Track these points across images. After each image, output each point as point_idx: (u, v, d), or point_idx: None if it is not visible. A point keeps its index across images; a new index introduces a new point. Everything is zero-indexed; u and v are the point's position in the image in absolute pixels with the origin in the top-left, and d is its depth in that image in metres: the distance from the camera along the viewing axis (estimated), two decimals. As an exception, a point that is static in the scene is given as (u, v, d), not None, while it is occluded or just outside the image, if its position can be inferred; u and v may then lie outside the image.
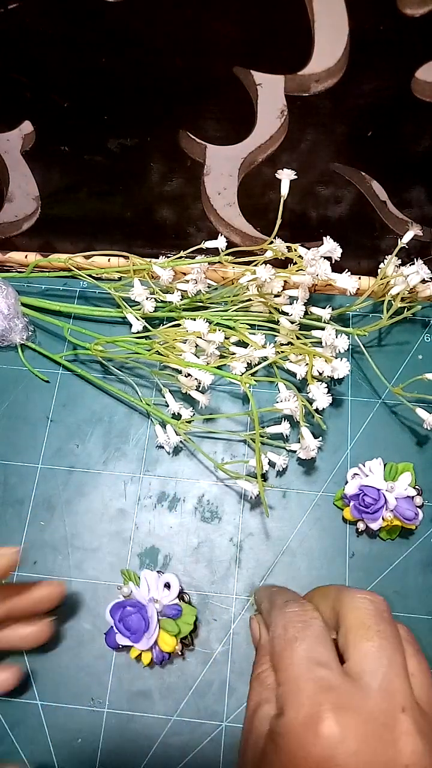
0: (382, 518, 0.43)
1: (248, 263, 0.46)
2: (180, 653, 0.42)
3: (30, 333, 0.52)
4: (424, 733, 0.26)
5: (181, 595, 0.43)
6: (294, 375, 0.46)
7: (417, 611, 0.44)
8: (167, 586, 0.42)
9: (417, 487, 0.45)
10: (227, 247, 0.47)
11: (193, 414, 0.47)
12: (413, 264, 0.47)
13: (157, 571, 0.43)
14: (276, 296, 0.48)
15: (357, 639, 0.29)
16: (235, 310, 0.49)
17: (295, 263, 0.45)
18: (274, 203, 0.47)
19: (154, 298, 0.47)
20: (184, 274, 0.49)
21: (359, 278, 0.53)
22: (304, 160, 0.45)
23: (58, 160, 0.47)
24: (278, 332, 0.48)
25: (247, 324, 0.48)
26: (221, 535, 0.46)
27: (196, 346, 0.46)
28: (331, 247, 0.43)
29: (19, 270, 0.56)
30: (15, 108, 0.43)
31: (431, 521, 0.46)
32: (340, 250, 0.43)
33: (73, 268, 0.50)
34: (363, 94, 0.39)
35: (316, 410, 0.43)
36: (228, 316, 0.48)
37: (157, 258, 0.48)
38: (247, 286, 0.47)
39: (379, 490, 0.43)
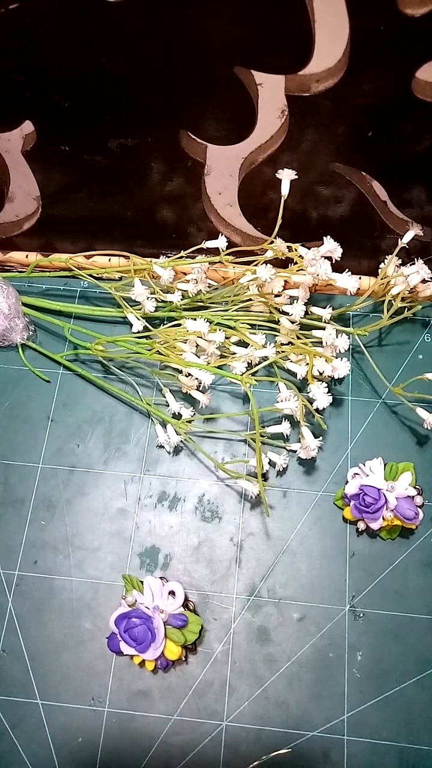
0: (383, 518, 0.43)
1: (249, 263, 0.46)
2: (184, 658, 0.42)
3: (31, 333, 0.52)
4: None
5: (185, 603, 0.42)
6: (294, 375, 0.46)
7: (417, 611, 0.44)
8: (171, 593, 0.42)
9: (417, 486, 0.45)
10: (228, 247, 0.47)
11: (194, 414, 0.47)
12: (413, 264, 0.47)
13: (160, 578, 0.43)
14: (276, 296, 0.48)
15: None
16: (235, 310, 0.49)
17: (296, 263, 0.45)
18: (274, 203, 0.47)
19: (155, 298, 0.47)
20: (185, 273, 0.49)
21: (359, 278, 0.53)
22: (305, 160, 0.45)
23: (58, 160, 0.47)
24: (278, 332, 0.48)
25: (247, 324, 0.48)
26: (221, 535, 0.46)
27: (197, 345, 0.46)
28: (331, 246, 0.43)
29: (19, 270, 0.56)
30: (15, 108, 0.43)
31: (431, 521, 0.46)
32: (341, 250, 0.43)
33: (74, 268, 0.50)
34: (363, 94, 0.39)
35: (317, 410, 0.43)
36: (228, 316, 0.48)
37: (158, 258, 0.48)
38: (248, 285, 0.47)
39: (379, 489, 0.43)
